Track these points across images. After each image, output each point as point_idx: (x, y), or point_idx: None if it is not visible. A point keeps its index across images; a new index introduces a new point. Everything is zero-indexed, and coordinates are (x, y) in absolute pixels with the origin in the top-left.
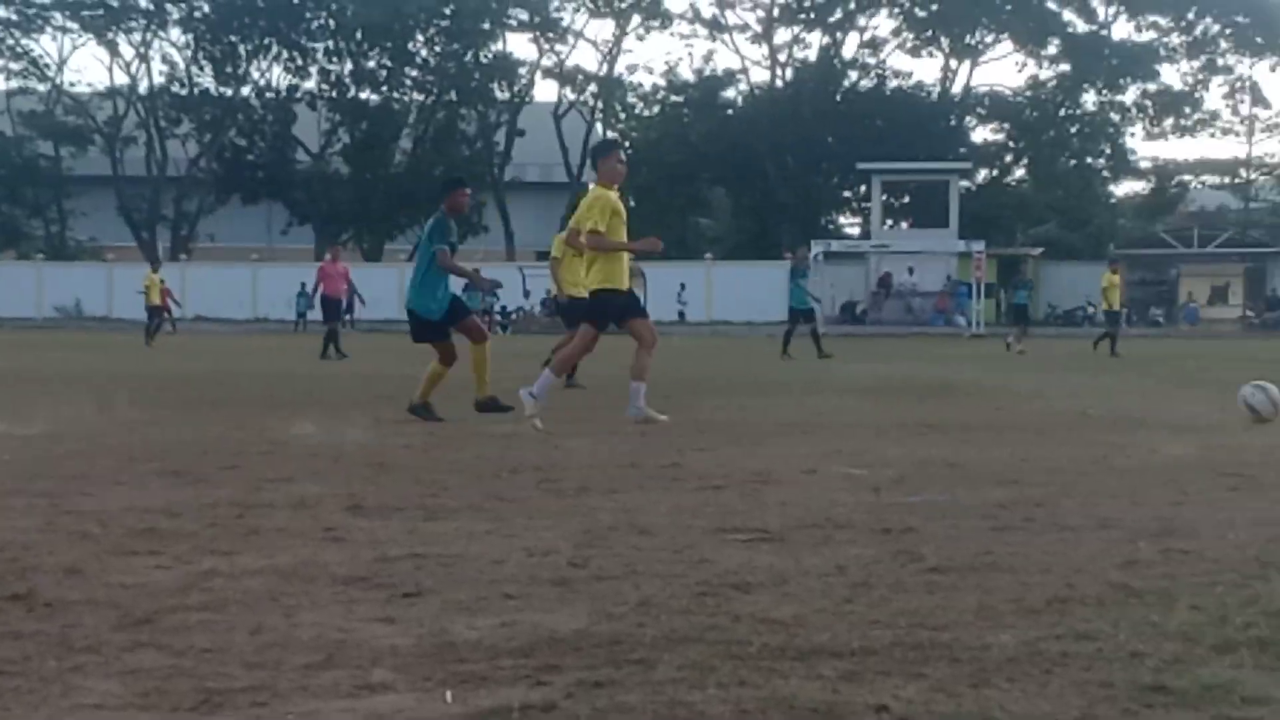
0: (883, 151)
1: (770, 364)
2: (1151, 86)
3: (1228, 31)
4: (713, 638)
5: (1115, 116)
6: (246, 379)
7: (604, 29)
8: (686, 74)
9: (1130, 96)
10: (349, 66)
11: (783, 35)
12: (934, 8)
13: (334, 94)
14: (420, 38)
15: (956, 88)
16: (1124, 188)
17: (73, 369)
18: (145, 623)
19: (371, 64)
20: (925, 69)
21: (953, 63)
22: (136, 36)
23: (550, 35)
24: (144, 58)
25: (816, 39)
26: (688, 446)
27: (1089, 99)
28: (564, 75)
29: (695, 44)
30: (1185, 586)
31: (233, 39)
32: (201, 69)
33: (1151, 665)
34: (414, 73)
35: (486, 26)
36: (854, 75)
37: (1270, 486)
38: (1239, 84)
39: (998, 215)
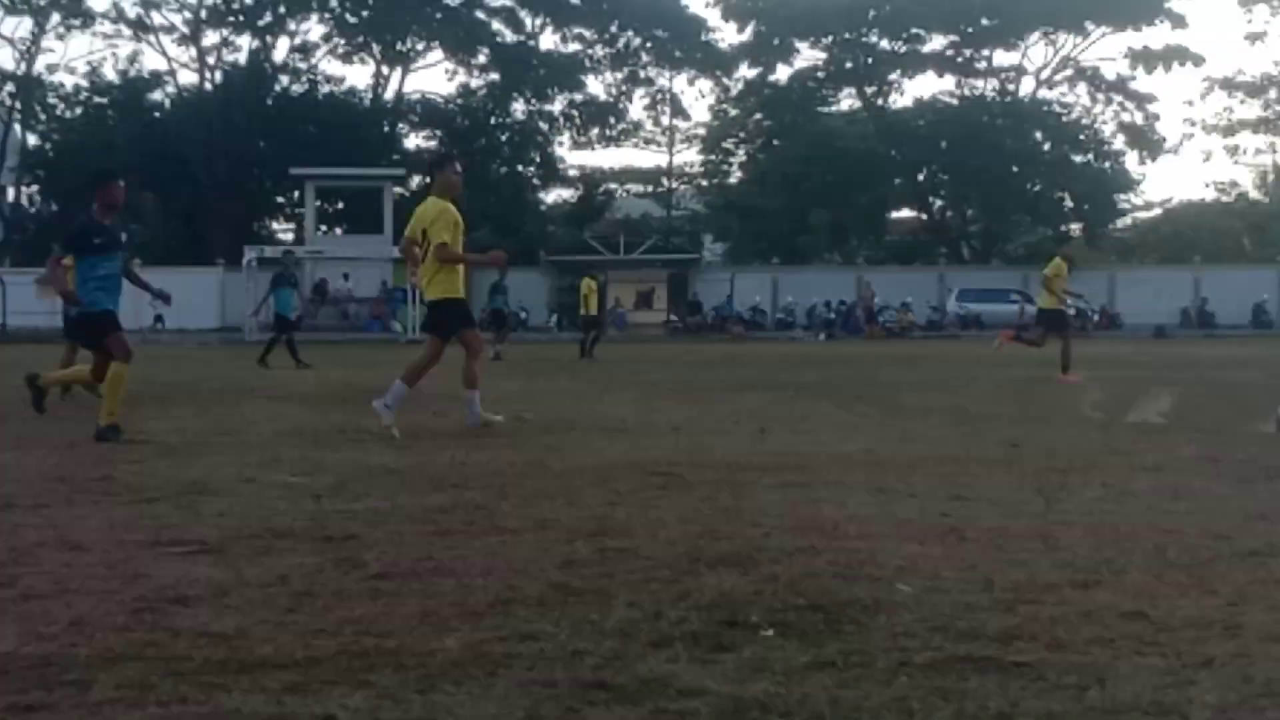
0: (316, 157)
1: (208, 371)
2: (578, 97)
3: (648, 45)
4: (151, 654)
5: (544, 125)
6: None
7: (21, 26)
8: (111, 75)
9: (558, 106)
10: None
11: (211, 38)
12: (365, 14)
13: None
14: None
15: (389, 94)
16: (553, 195)
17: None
18: None
19: None
20: (357, 75)
21: (385, 69)
22: None
23: None
24: None
25: (246, 42)
26: (119, 459)
27: (519, 108)
28: None
29: (120, 44)
30: (622, 584)
31: None
32: None
33: (592, 663)
34: None
35: None
36: (285, 80)
37: (696, 484)
38: (660, 95)
39: None
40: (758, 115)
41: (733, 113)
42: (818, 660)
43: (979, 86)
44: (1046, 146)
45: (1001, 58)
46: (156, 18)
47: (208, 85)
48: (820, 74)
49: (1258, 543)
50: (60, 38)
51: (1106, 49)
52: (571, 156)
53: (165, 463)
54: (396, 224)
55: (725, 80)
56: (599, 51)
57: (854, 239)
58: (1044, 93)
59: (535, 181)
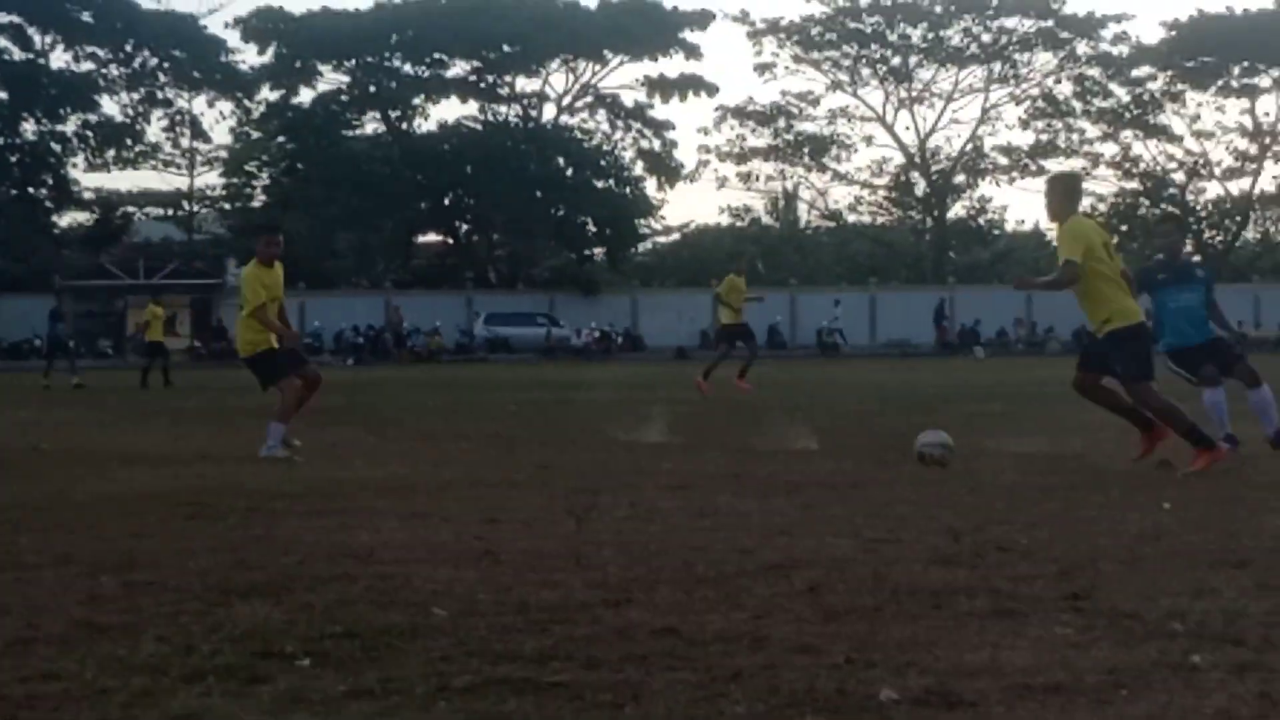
0: None
1: None
2: (93, 117)
3: (166, 65)
4: None
5: (57, 146)
6: None
7: None
8: None
9: (71, 127)
10: None
11: None
12: None
13: None
14: None
15: None
16: (68, 219)
17: None
18: None
19: None
20: None
21: None
22: None
23: None
24: None
25: None
26: None
27: (29, 128)
28: None
29: None
30: (150, 618)
31: None
32: None
33: (120, 700)
34: None
35: None
36: None
37: (226, 513)
38: (179, 117)
39: None
40: (281, 138)
41: (255, 135)
42: (356, 688)
43: (502, 112)
44: (570, 172)
45: (524, 84)
46: None
47: None
48: (344, 97)
49: (781, 556)
50: None
51: (625, 77)
52: (87, 179)
53: None
54: None
55: (247, 102)
56: (114, 71)
57: (381, 263)
58: (566, 119)
59: (48, 204)
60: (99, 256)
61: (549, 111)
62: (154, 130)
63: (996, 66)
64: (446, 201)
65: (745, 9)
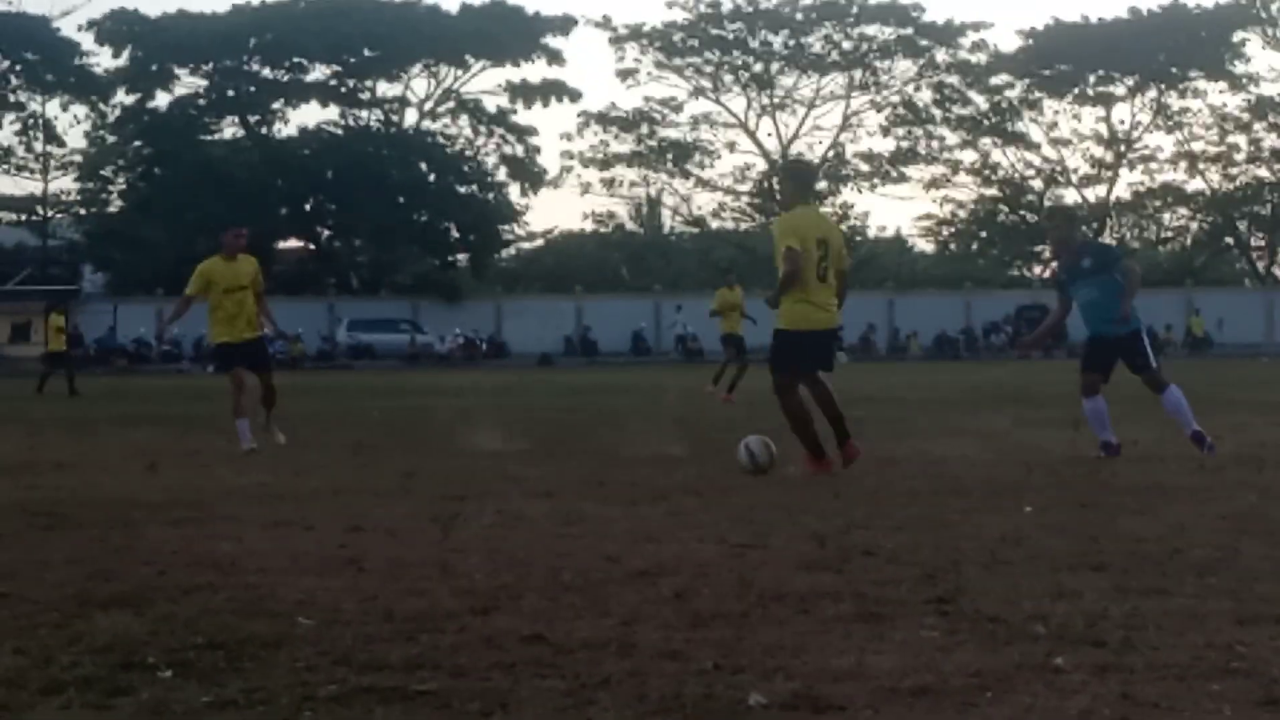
0: None
1: None
2: None
3: (18, 68)
4: None
5: None
6: None
7: None
8: None
9: None
10: None
11: None
12: None
13: None
14: None
15: None
16: None
17: None
18: None
19: None
20: None
21: None
22: None
23: None
24: None
25: None
26: None
27: None
28: None
29: None
30: (7, 630)
31: None
32: None
33: None
34: None
35: None
36: None
37: (85, 523)
38: (32, 121)
39: None
40: (137, 142)
41: (111, 139)
42: (220, 699)
43: (364, 117)
44: (432, 178)
45: (385, 88)
46: None
47: None
48: (202, 101)
49: (647, 563)
50: None
51: (487, 82)
52: None
53: None
54: None
55: (102, 106)
56: None
57: None
58: (428, 124)
59: None
60: None
61: (411, 116)
62: (6, 134)
63: (857, 74)
64: (308, 207)
65: (607, 15)
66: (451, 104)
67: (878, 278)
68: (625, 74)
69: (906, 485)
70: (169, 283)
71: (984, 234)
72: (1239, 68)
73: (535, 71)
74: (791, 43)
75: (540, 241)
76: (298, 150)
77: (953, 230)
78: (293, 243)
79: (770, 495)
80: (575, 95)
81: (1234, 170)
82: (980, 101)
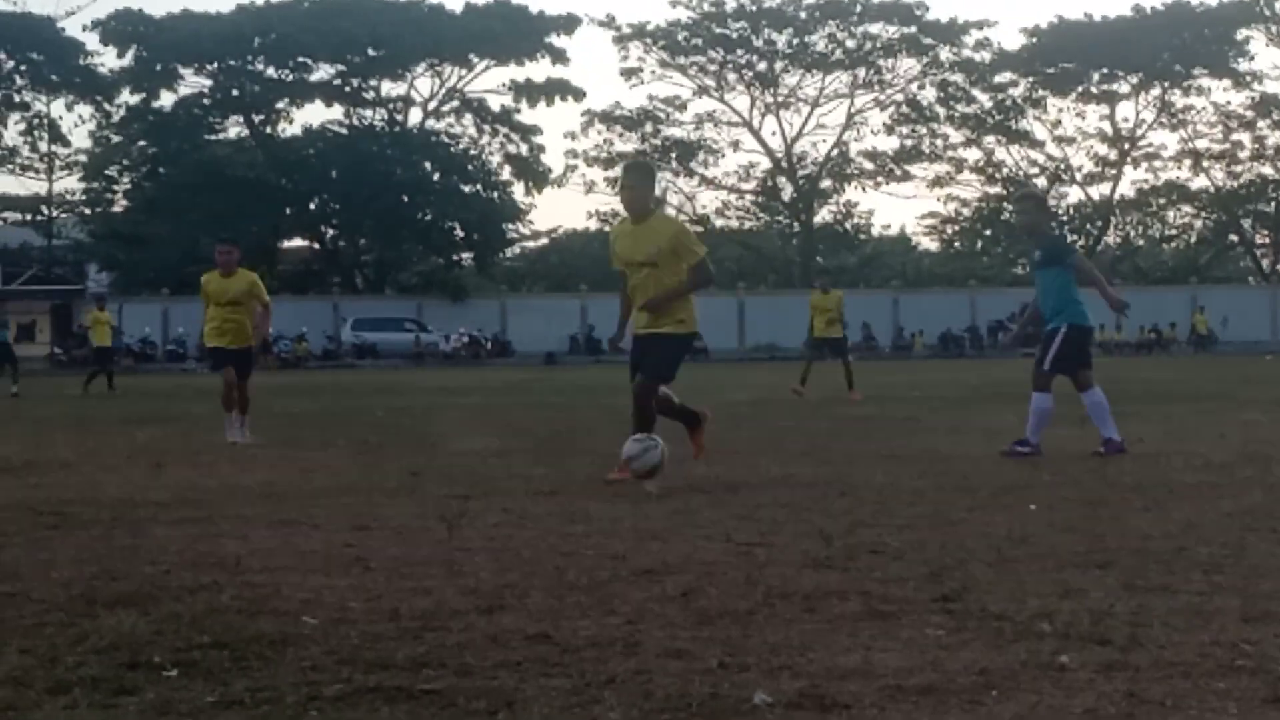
0: None
1: None
2: None
3: (23, 68)
4: None
5: None
6: None
7: None
8: None
9: None
10: None
11: None
12: None
13: None
14: None
15: None
16: None
17: None
18: None
19: None
20: None
21: None
22: None
23: None
24: None
25: None
26: None
27: None
28: None
29: None
30: (13, 630)
31: None
32: None
33: None
34: None
35: None
36: None
37: (90, 523)
38: (37, 120)
39: None
40: (142, 142)
41: (116, 139)
42: (225, 699)
43: (368, 116)
44: (437, 176)
45: (389, 88)
46: None
47: None
48: (206, 101)
49: (652, 562)
50: None
51: (491, 81)
52: None
53: None
54: None
55: (106, 106)
56: None
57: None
58: (432, 123)
59: None
60: None
61: (415, 116)
62: (11, 134)
63: (861, 72)
64: (312, 206)
65: (611, 14)
66: (456, 103)
67: (882, 276)
68: (629, 73)
69: (913, 483)
70: (174, 282)
71: (988, 232)
72: (1243, 65)
73: (539, 70)
74: (795, 41)
75: (545, 240)
76: (302, 150)
77: (957, 228)
78: (297, 242)
79: (776, 494)
80: (579, 94)
81: (1238, 168)
82: (984, 100)
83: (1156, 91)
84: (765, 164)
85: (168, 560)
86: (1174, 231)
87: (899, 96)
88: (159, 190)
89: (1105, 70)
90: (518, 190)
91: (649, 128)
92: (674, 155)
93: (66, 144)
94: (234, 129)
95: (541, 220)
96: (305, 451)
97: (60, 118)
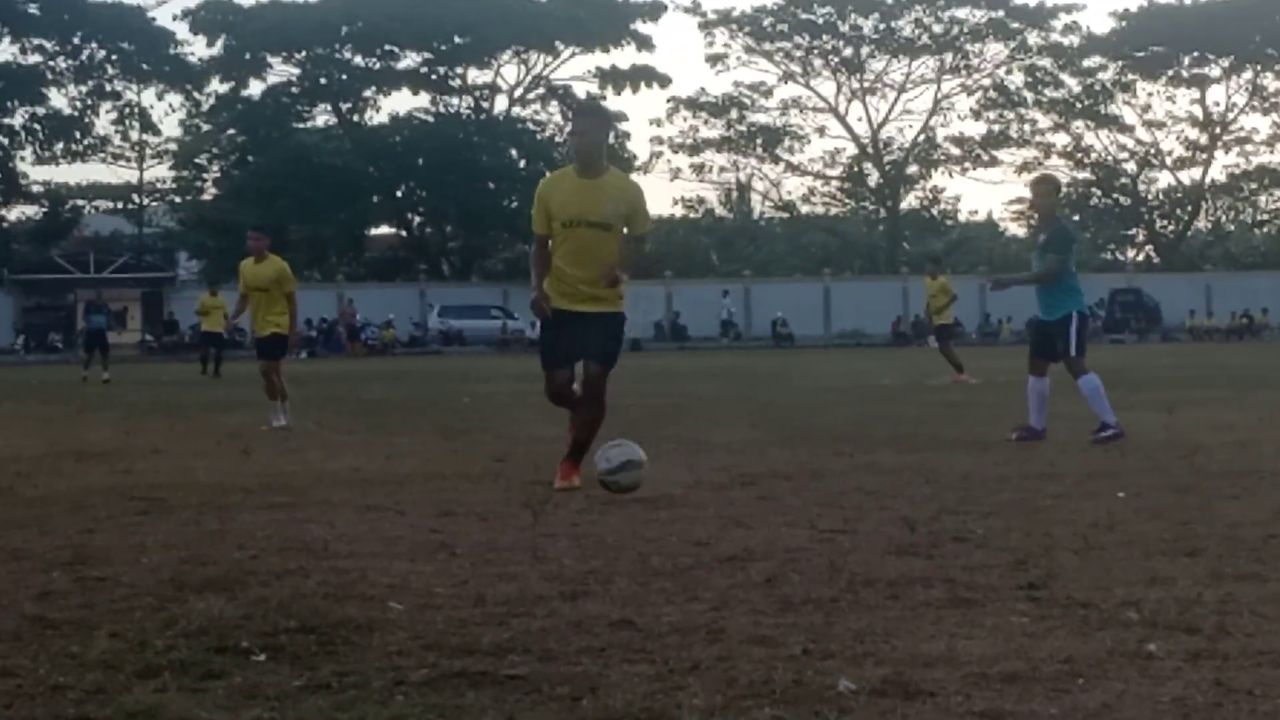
0: None
1: None
2: (40, 110)
3: (114, 57)
4: None
5: (4, 140)
6: None
7: None
8: None
9: (19, 120)
10: None
11: None
12: None
13: None
14: None
15: None
16: (16, 212)
17: None
18: None
19: None
20: None
21: None
22: None
23: None
24: None
25: None
26: None
27: None
28: None
29: None
30: (103, 614)
31: None
32: None
33: (74, 697)
34: None
35: None
36: None
37: (180, 508)
38: (128, 110)
39: None
40: (231, 131)
41: (205, 128)
42: (312, 683)
43: (454, 104)
44: (522, 164)
45: (475, 75)
46: None
47: None
48: (294, 89)
49: (736, 548)
50: None
51: (577, 68)
52: (35, 172)
53: None
54: None
55: (196, 95)
56: (62, 64)
57: (333, 256)
58: (518, 110)
59: None
60: (48, 250)
61: (501, 103)
62: (103, 123)
63: (948, 57)
64: (399, 194)
65: (697, 0)
66: (541, 90)
67: (969, 262)
68: (715, 59)
69: (999, 471)
70: None
71: (1076, 217)
72: None
73: (625, 57)
74: (882, 26)
75: None
76: (389, 137)
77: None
78: (384, 229)
79: (861, 481)
80: (664, 81)
81: None
82: (1073, 84)
83: (1248, 75)
84: (851, 150)
85: (255, 545)
86: (1266, 216)
87: (986, 81)
88: (247, 178)
89: (1196, 53)
90: None
91: (734, 114)
92: (759, 141)
93: (157, 133)
94: (321, 117)
95: None
96: (391, 437)
97: (151, 107)
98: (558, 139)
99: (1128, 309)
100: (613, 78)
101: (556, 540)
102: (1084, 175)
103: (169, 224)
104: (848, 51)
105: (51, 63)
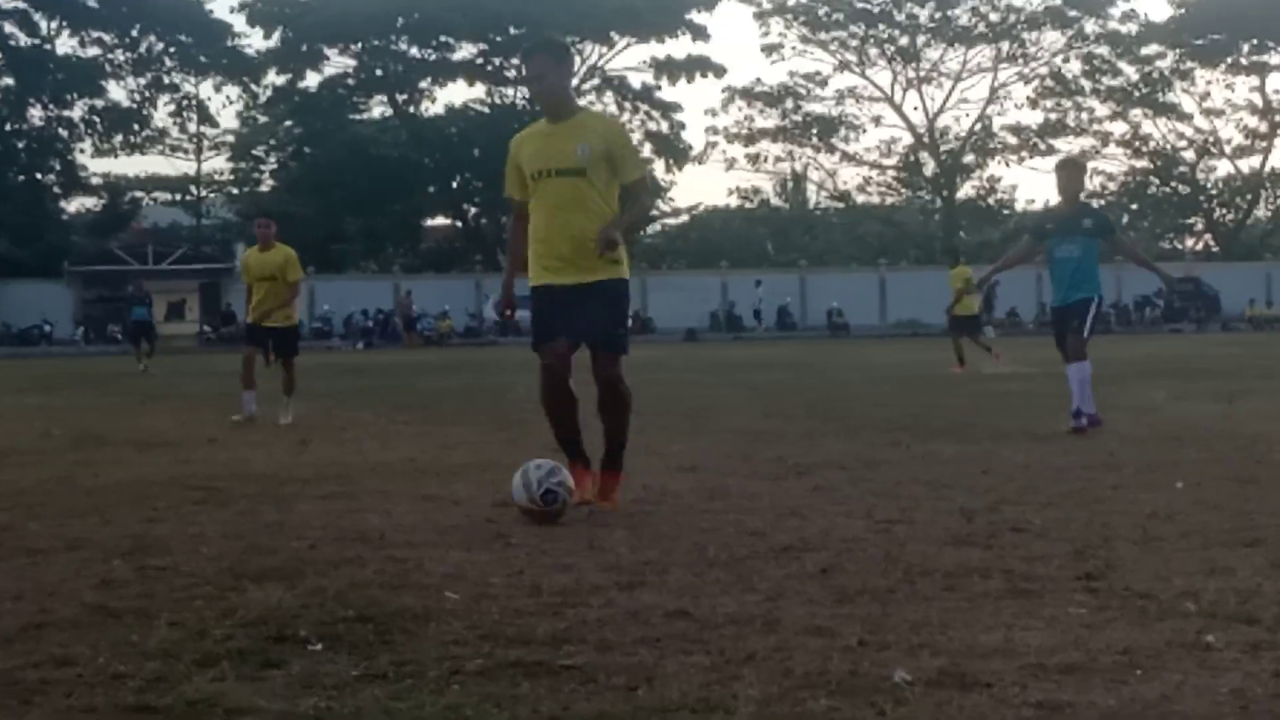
0: None
1: None
2: (99, 102)
3: (172, 50)
4: None
5: (64, 132)
6: None
7: None
8: None
9: (78, 112)
10: None
11: None
12: None
13: None
14: None
15: None
16: (76, 204)
17: None
18: None
19: None
20: None
21: None
22: None
23: None
24: None
25: None
26: None
27: (36, 114)
28: None
29: None
30: (163, 603)
31: None
32: None
33: (134, 686)
34: None
35: None
36: None
37: (238, 497)
38: (186, 102)
39: None
40: (288, 122)
41: (262, 119)
42: (369, 672)
43: (510, 95)
44: None
45: None
46: None
47: None
48: (350, 81)
49: (791, 538)
50: None
51: (631, 59)
52: (94, 164)
53: None
54: None
55: (253, 86)
56: (120, 56)
57: (390, 246)
58: None
59: (56, 190)
60: (107, 241)
61: None
62: (161, 115)
63: (1005, 45)
64: (455, 185)
65: None
66: (597, 81)
67: None
68: (770, 49)
69: (1057, 461)
70: (319, 261)
71: (1135, 206)
72: None
73: (680, 47)
74: (937, 15)
75: (685, 217)
76: (445, 129)
77: (1103, 203)
78: (440, 220)
79: (917, 471)
80: (720, 71)
81: None
82: (1130, 72)
83: None
84: (907, 139)
85: (313, 535)
86: None
87: (1043, 70)
88: (304, 170)
89: (1255, 41)
90: (658, 167)
91: (789, 104)
92: (815, 131)
93: (215, 125)
94: (378, 108)
95: (682, 197)
96: (447, 427)
97: (209, 99)
98: None
99: (1185, 298)
100: (668, 68)
101: (612, 530)
102: (1142, 164)
103: (226, 215)
104: (903, 40)
105: (110, 55)
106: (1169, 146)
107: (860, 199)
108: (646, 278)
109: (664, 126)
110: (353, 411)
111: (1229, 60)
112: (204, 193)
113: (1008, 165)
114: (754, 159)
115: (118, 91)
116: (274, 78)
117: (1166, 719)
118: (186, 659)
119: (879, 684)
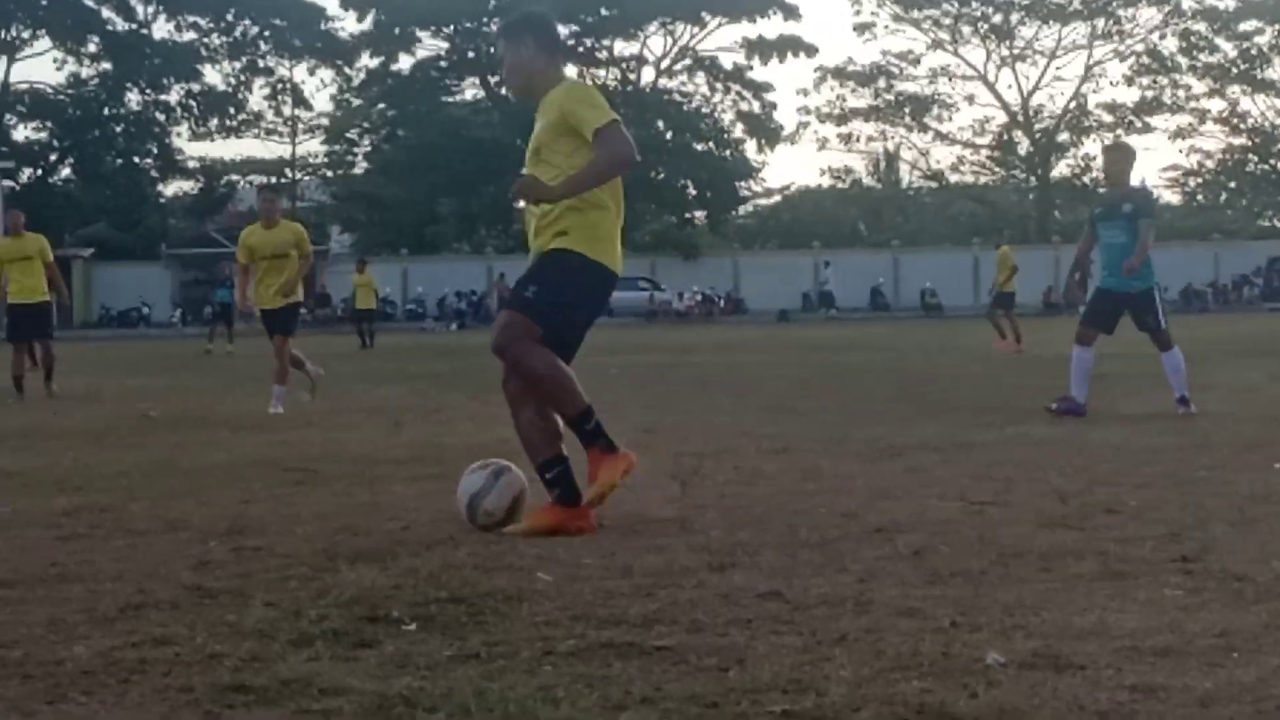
0: None
1: None
2: (195, 86)
3: (267, 33)
4: None
5: (161, 116)
6: None
7: None
8: None
9: (175, 96)
10: None
11: None
12: None
13: None
14: None
15: None
16: (173, 187)
17: None
18: None
19: None
20: None
21: None
22: None
23: None
24: None
25: None
26: None
27: (133, 98)
28: None
29: None
30: (259, 584)
31: None
32: None
33: (230, 665)
34: None
35: None
36: None
37: (332, 479)
38: (280, 85)
39: (44, 216)
40: (381, 105)
41: (356, 102)
42: (461, 653)
43: (601, 75)
44: (669, 135)
45: (622, 47)
46: None
47: None
48: (443, 63)
49: (883, 520)
50: None
51: (723, 39)
52: (191, 148)
53: None
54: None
55: (347, 70)
56: (215, 40)
57: (483, 228)
58: (664, 82)
59: (154, 174)
60: (204, 225)
61: (647, 75)
62: (256, 99)
63: (1100, 23)
64: None
65: None
66: (688, 61)
67: None
68: (862, 28)
69: (1152, 442)
70: (413, 243)
71: (1232, 184)
72: None
73: (771, 27)
74: None
75: (777, 198)
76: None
77: (1200, 181)
78: None
79: (1010, 452)
80: (811, 50)
81: None
82: (1228, 48)
83: None
84: (1001, 118)
85: (406, 516)
86: None
87: (1139, 47)
88: (398, 152)
89: None
90: (750, 148)
91: (882, 83)
92: (907, 110)
93: (309, 108)
94: (470, 90)
95: (774, 178)
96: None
97: (303, 82)
98: (704, 110)
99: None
100: (759, 48)
101: (704, 512)
102: (1240, 141)
103: (321, 198)
104: (997, 18)
105: (206, 40)
106: (1267, 124)
107: (953, 178)
108: (739, 258)
109: (755, 107)
110: (446, 394)
111: None
112: (298, 175)
113: (1103, 143)
114: (846, 139)
115: (213, 75)
116: (367, 60)
117: (1262, 703)
118: (281, 639)
119: (971, 665)
